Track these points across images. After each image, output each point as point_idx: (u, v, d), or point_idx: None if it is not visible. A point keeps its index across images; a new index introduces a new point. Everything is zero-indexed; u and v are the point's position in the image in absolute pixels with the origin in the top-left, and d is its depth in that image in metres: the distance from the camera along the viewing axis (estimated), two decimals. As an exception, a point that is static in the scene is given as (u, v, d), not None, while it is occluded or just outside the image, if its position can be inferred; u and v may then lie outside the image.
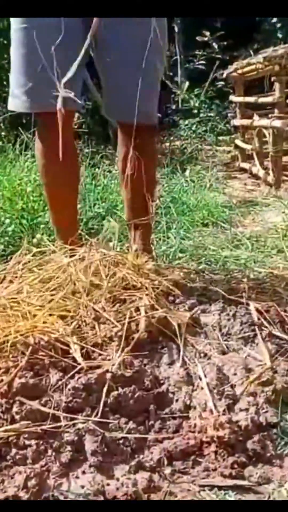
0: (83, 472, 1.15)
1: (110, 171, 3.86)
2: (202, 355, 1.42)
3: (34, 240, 2.26)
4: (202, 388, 1.32)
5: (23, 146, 3.37)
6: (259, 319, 1.57)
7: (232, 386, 1.34)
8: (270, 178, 4.13)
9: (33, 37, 1.65)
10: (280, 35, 7.88)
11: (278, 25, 8.01)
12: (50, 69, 1.64)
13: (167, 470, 1.16)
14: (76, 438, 1.19)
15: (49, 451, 1.18)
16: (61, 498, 1.08)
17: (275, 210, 3.44)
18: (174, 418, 1.27)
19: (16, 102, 1.84)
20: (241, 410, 1.27)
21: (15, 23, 1.77)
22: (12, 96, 1.85)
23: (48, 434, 1.20)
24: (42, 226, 2.54)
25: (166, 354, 1.43)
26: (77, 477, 1.14)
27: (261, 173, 4.32)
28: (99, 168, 3.73)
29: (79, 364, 1.32)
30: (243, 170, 4.89)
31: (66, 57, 1.62)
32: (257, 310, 1.61)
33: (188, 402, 1.30)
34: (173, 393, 1.32)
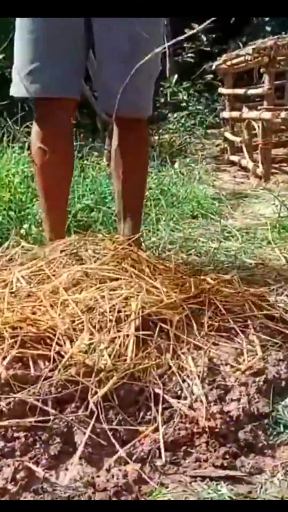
0: (73, 464, 1.13)
1: (98, 163, 3.83)
2: (193, 346, 1.40)
3: (22, 231, 2.24)
4: (193, 379, 1.30)
5: (11, 137, 3.33)
6: (250, 309, 1.56)
7: (223, 377, 1.32)
8: (260, 171, 4.12)
9: (39, 24, 1.71)
10: (268, 28, 7.88)
11: (266, 18, 8.00)
12: (55, 55, 1.74)
13: (158, 462, 1.15)
14: (65, 429, 1.17)
15: (38, 443, 1.15)
16: (50, 490, 1.06)
17: (264, 202, 3.43)
18: (165, 409, 1.25)
19: (19, 87, 1.84)
20: (232, 400, 1.26)
21: None
22: (15, 82, 1.86)
23: (36, 426, 1.18)
24: (30, 217, 2.51)
25: (157, 345, 1.41)
26: (66, 469, 1.12)
27: (250, 165, 4.31)
28: (87, 160, 3.69)
29: (70, 355, 1.30)
30: (232, 163, 4.87)
31: (71, 43, 1.72)
32: (249, 300, 1.59)
33: (179, 393, 1.28)
34: (163, 383, 1.30)
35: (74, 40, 1.77)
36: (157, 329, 1.41)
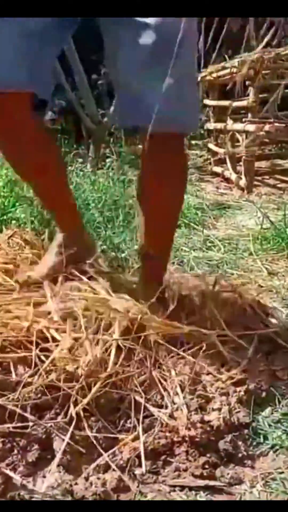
0: (51, 471, 1.11)
1: (82, 170, 3.82)
2: (175, 354, 1.40)
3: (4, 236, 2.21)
4: (174, 387, 1.29)
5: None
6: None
7: (204, 386, 1.32)
8: (242, 182, 4.14)
9: None
10: (254, 43, 7.95)
11: (252, 32, 8.08)
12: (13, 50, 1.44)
13: (137, 470, 1.14)
14: (44, 436, 1.16)
15: (16, 450, 1.14)
16: (27, 497, 1.05)
17: (247, 213, 3.45)
18: (146, 417, 1.24)
19: None
20: (213, 410, 1.26)
21: None
22: None
23: (15, 432, 1.16)
24: (13, 222, 2.49)
25: (139, 353, 1.40)
26: (44, 476, 1.11)
27: (234, 177, 4.34)
28: (71, 166, 3.68)
29: (51, 360, 1.29)
30: (216, 174, 4.90)
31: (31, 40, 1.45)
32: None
33: (159, 402, 1.28)
34: (144, 392, 1.29)
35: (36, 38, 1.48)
36: (141, 338, 1.40)
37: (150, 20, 1.39)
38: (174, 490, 1.11)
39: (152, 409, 1.25)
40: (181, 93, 1.40)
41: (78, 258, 1.78)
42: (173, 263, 2.41)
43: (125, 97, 1.52)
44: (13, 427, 1.16)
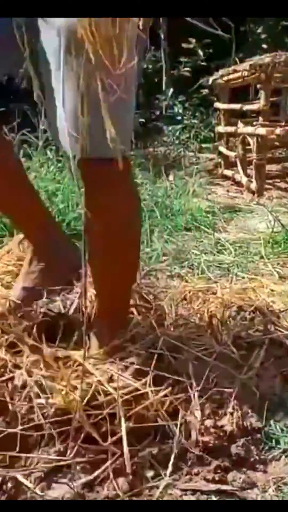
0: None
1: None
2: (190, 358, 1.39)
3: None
4: (187, 392, 1.29)
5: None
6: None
7: (218, 390, 1.32)
8: (253, 186, 4.13)
9: None
10: (264, 46, 7.96)
11: (263, 36, 8.09)
12: None
13: (149, 474, 1.14)
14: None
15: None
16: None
17: (258, 217, 3.44)
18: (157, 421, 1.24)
19: None
20: (226, 414, 1.25)
21: None
22: None
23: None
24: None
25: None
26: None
27: (244, 180, 4.33)
28: (82, 169, 3.69)
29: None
30: (226, 177, 4.89)
31: None
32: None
33: (172, 406, 1.27)
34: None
35: None
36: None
37: None
38: (186, 494, 1.10)
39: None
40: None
41: (56, 275, 1.56)
42: (183, 266, 2.41)
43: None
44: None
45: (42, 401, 1.18)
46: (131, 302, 1.56)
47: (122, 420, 1.14)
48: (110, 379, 1.24)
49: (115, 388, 1.19)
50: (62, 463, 1.11)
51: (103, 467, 1.11)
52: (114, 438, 1.14)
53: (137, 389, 1.22)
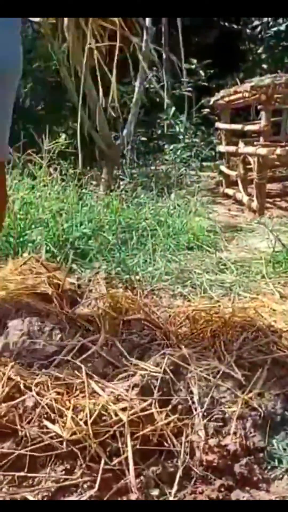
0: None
1: (96, 192, 3.87)
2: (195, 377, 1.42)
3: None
4: (190, 410, 1.31)
5: (11, 164, 3.38)
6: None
7: (222, 410, 1.34)
8: (254, 205, 4.18)
9: None
10: (265, 66, 8.06)
11: (263, 56, 8.19)
12: None
13: (154, 492, 1.16)
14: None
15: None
16: None
17: (259, 236, 3.47)
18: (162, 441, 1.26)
19: None
20: (229, 433, 1.27)
21: None
22: None
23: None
24: (30, 244, 2.54)
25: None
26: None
27: (245, 199, 4.38)
28: (86, 189, 3.74)
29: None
30: (227, 196, 4.94)
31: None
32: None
33: (178, 425, 1.29)
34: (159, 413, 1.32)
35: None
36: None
37: None
38: (191, 513, 1.12)
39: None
40: None
41: None
42: (186, 285, 2.44)
43: None
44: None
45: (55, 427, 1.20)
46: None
47: (128, 439, 1.16)
48: (116, 399, 1.26)
49: (122, 409, 1.21)
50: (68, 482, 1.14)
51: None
52: (121, 458, 1.15)
53: (143, 410, 1.24)
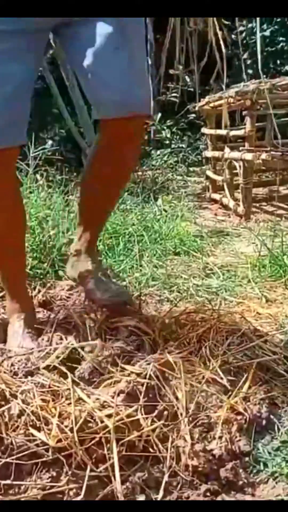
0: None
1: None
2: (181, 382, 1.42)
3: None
4: (176, 415, 1.32)
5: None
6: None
7: (207, 414, 1.35)
8: (240, 209, 4.20)
9: None
10: (250, 71, 8.11)
11: (248, 61, 8.25)
12: None
13: (140, 498, 1.16)
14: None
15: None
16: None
17: (245, 240, 3.50)
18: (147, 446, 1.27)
19: None
20: (214, 438, 1.28)
21: None
22: None
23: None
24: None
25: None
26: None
27: (232, 204, 4.40)
28: (72, 195, 3.74)
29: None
30: (214, 201, 4.96)
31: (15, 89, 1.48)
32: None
33: (163, 430, 1.30)
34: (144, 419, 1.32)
35: (19, 85, 1.51)
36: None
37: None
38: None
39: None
40: (138, 77, 1.60)
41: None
42: (173, 291, 2.45)
43: (95, 90, 1.58)
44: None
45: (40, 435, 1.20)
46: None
47: (114, 446, 1.16)
48: (102, 406, 1.27)
49: (107, 416, 1.21)
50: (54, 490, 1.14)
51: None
52: (107, 464, 1.16)
53: (128, 416, 1.24)
